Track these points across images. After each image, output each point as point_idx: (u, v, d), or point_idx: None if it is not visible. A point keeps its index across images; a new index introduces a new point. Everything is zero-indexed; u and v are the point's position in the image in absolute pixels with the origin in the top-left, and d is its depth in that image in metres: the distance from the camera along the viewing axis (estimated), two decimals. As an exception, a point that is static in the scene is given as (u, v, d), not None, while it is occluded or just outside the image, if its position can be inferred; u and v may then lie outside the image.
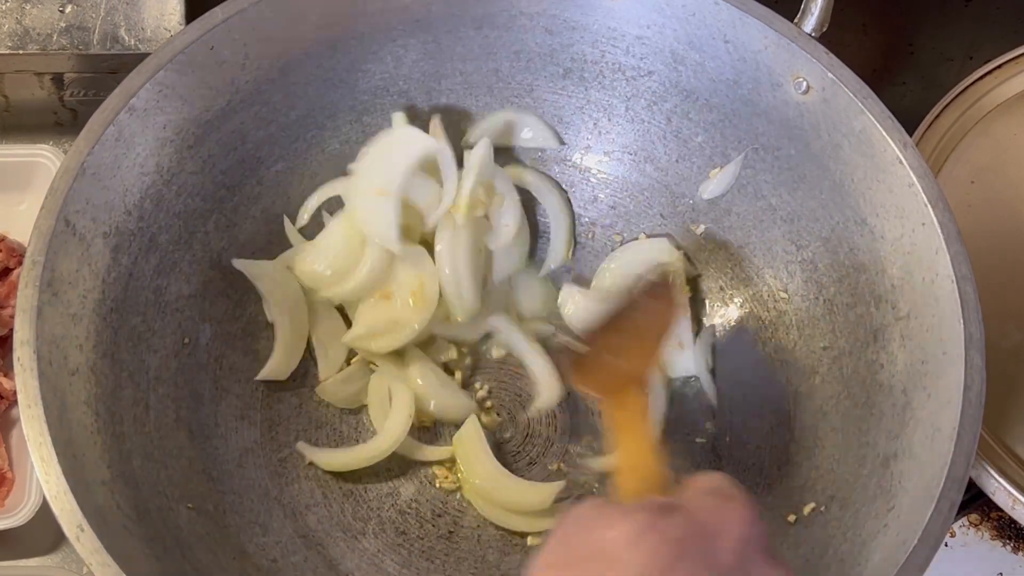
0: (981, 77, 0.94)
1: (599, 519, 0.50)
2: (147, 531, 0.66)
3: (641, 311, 0.70)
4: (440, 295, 0.79)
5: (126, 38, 0.86)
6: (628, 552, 0.48)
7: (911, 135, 0.73)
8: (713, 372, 0.83)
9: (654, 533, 0.48)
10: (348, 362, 0.82)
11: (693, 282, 0.85)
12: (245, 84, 0.76)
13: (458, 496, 0.79)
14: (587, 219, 0.86)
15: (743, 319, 0.83)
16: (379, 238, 0.77)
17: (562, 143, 0.85)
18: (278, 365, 0.80)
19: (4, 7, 0.87)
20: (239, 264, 0.79)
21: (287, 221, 0.81)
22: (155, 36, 0.86)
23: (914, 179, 0.71)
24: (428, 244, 0.80)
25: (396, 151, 0.78)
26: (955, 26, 1.06)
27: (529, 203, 0.86)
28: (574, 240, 0.86)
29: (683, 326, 0.83)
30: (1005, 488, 0.80)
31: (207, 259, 0.78)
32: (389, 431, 0.78)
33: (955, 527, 0.85)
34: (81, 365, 0.68)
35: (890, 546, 0.65)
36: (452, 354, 0.83)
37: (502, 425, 0.82)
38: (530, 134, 0.85)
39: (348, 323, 0.82)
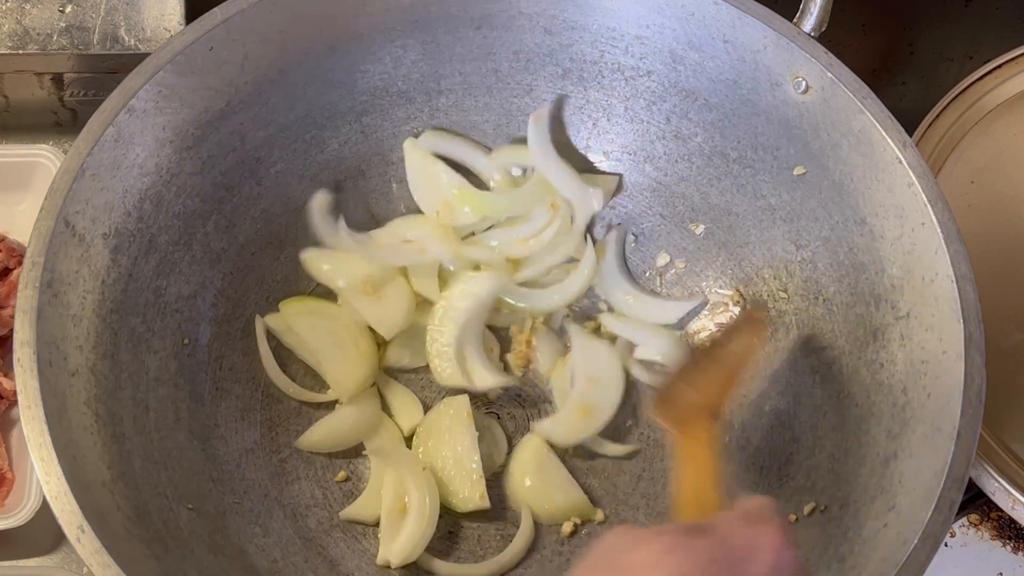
0: (981, 77, 0.94)
1: (626, 543, 0.50)
2: (147, 532, 0.66)
3: (726, 343, 0.72)
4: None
5: (126, 38, 0.86)
6: (655, 571, 0.48)
7: (911, 135, 0.73)
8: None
9: (678, 554, 0.48)
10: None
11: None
12: (244, 85, 0.76)
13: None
14: (586, 219, 0.87)
15: (743, 319, 0.83)
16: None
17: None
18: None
19: (4, 7, 0.87)
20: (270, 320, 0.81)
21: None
22: (155, 36, 0.86)
23: (913, 179, 0.71)
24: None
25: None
26: (955, 26, 1.06)
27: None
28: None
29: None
30: (1005, 488, 0.80)
31: (207, 259, 0.78)
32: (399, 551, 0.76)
33: (955, 527, 0.85)
34: (81, 366, 0.68)
35: (890, 546, 0.65)
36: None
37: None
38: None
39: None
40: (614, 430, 0.82)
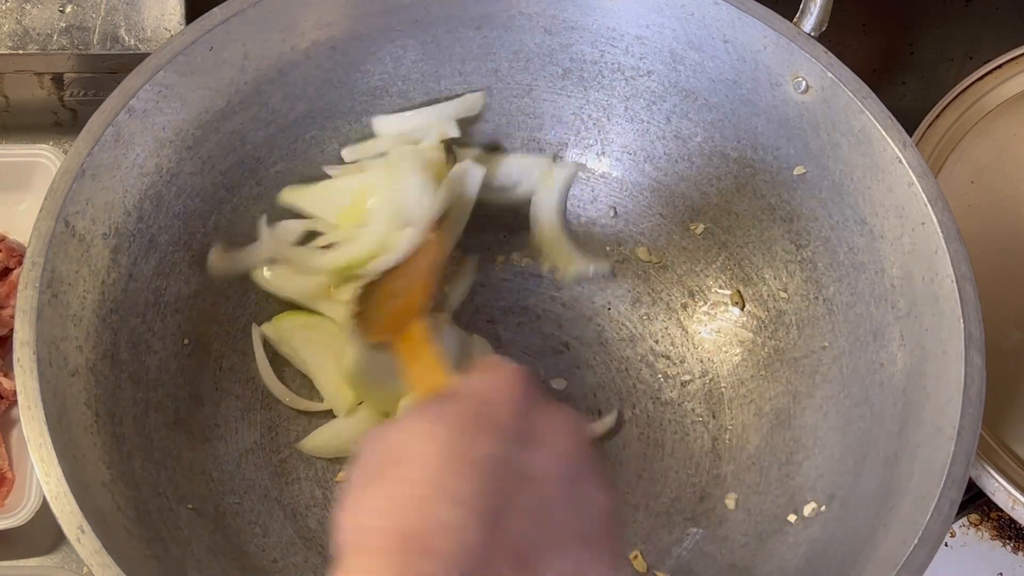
0: (981, 77, 0.94)
1: (388, 431, 0.51)
2: (148, 532, 0.66)
3: (412, 258, 0.72)
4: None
5: (126, 38, 0.86)
6: (421, 446, 0.49)
7: (911, 135, 0.73)
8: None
9: (439, 422, 0.50)
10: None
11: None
12: (244, 85, 0.76)
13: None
14: (585, 218, 0.86)
15: (743, 319, 0.83)
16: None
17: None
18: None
19: (4, 7, 0.87)
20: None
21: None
22: (155, 36, 0.87)
23: (913, 178, 0.71)
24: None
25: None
26: (955, 26, 1.06)
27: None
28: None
29: None
30: (1005, 488, 0.80)
31: (207, 260, 0.78)
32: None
33: (955, 527, 0.85)
34: (81, 366, 0.68)
35: (890, 546, 0.65)
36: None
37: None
38: None
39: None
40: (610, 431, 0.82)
